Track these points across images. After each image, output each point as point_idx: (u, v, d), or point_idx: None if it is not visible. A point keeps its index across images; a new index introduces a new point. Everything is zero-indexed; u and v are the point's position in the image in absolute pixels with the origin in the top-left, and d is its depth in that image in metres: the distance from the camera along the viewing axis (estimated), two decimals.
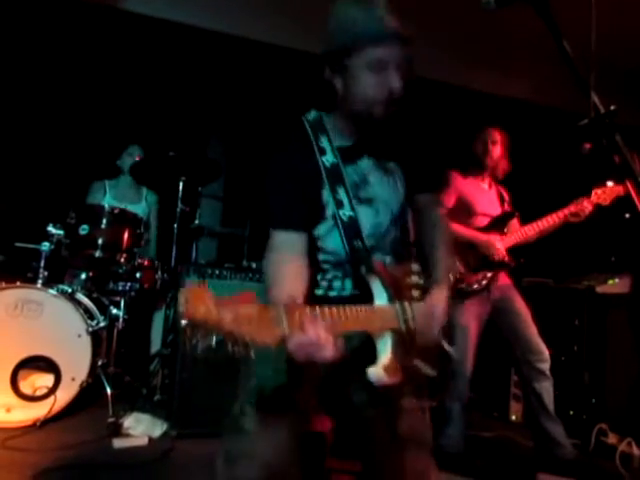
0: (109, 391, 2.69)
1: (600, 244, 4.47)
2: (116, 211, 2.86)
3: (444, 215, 1.64)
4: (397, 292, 1.31)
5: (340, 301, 1.21)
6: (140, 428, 2.56)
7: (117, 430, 2.52)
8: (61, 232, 2.79)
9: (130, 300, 3.15)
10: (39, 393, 2.56)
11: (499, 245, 2.88)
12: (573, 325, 3.93)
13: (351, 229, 1.35)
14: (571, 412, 3.64)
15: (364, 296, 1.30)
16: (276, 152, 1.41)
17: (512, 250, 2.98)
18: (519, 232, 2.97)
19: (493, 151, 3.02)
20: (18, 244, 2.92)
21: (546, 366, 2.83)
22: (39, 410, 2.53)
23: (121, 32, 3.70)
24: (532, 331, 2.89)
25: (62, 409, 2.59)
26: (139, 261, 3.07)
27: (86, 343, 2.63)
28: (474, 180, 3.06)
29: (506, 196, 3.17)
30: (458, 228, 2.86)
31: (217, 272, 2.75)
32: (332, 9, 1.37)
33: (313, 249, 1.40)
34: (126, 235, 2.88)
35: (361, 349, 1.27)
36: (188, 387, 2.61)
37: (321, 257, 1.41)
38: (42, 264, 2.73)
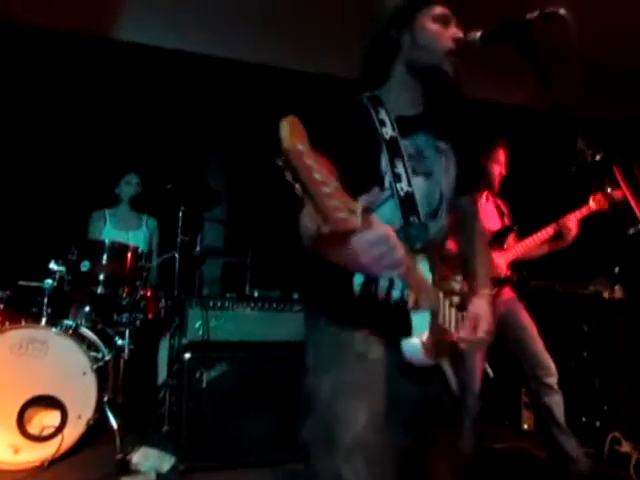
0: (116, 427, 2.69)
1: (605, 248, 4.44)
2: (116, 246, 2.87)
3: (483, 221, 1.62)
4: (440, 284, 1.29)
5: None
6: (148, 464, 2.56)
7: (125, 467, 2.52)
8: (63, 268, 2.81)
9: (135, 330, 3.16)
10: (46, 433, 2.56)
11: (499, 261, 2.86)
12: (582, 331, 3.91)
13: (408, 204, 1.32)
14: (583, 419, 3.62)
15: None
16: (333, 111, 1.37)
17: (514, 263, 2.97)
18: (519, 246, 2.96)
19: (497, 171, 3.03)
20: (21, 282, 2.93)
21: (554, 380, 2.82)
22: (47, 450, 2.53)
23: (115, 61, 3.72)
24: (538, 346, 2.87)
25: (70, 448, 2.59)
26: (142, 292, 3.08)
27: (91, 380, 2.64)
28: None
29: (505, 209, 3.16)
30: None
31: (219, 303, 2.77)
32: None
33: None
34: (127, 269, 2.88)
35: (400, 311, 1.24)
36: (195, 418, 2.60)
37: None
38: (45, 302, 2.74)
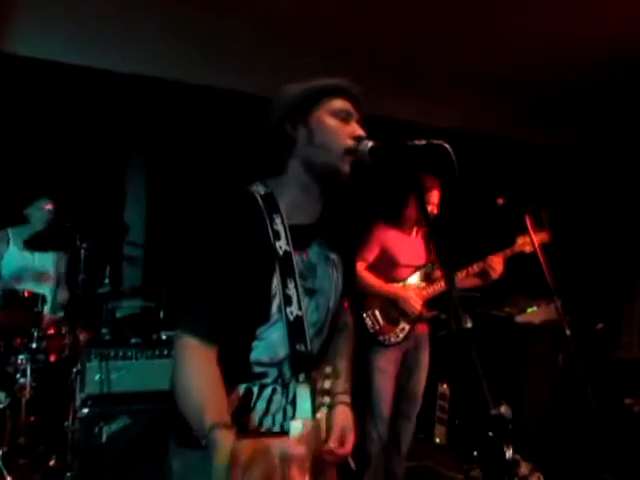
0: None
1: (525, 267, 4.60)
2: (7, 293, 2.70)
3: (352, 323, 1.60)
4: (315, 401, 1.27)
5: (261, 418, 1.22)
6: None
7: None
8: None
9: (38, 368, 3.01)
10: None
11: (415, 300, 2.91)
12: (493, 351, 4.08)
13: (296, 330, 1.23)
14: (489, 434, 3.82)
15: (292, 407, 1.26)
16: (225, 219, 1.24)
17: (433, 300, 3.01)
18: (438, 284, 3.00)
19: (429, 210, 3.02)
20: None
21: (413, 410, 3.09)
22: None
23: (12, 76, 3.44)
24: (420, 389, 3.09)
25: None
26: (42, 333, 2.92)
27: None
28: (399, 230, 3.06)
29: (434, 244, 3.17)
30: (376, 282, 2.93)
31: (121, 353, 2.67)
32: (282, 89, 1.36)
33: (244, 348, 1.25)
34: (21, 317, 2.73)
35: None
36: (94, 473, 2.54)
37: (254, 355, 1.25)
38: None
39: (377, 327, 2.92)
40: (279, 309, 1.23)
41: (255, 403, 1.26)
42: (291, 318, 1.23)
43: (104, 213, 3.26)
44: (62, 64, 3.44)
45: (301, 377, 1.25)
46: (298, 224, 1.31)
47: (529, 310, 4.12)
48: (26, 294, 2.81)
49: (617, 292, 4.66)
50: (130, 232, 3.48)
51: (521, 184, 3.80)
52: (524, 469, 3.26)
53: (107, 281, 3.21)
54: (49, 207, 3.45)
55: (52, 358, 3.01)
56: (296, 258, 1.27)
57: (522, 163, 4.67)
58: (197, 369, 1.15)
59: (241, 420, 1.22)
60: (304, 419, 1.20)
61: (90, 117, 3.83)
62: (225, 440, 0.98)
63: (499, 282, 4.40)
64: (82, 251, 3.01)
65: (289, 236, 1.27)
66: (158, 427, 2.62)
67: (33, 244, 3.06)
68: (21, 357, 2.96)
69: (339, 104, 1.30)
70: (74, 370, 2.92)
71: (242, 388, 1.25)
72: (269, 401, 1.27)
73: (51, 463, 2.90)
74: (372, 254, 2.96)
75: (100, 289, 3.14)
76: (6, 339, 2.70)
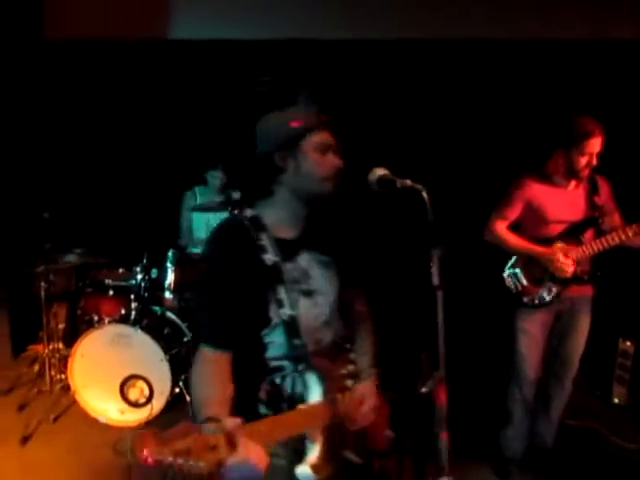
0: (189, 399, 3.34)
1: None
2: (178, 256, 3.33)
3: (366, 310, 1.82)
4: (331, 384, 1.51)
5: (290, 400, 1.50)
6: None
7: None
8: (141, 274, 3.39)
9: None
10: (141, 401, 3.33)
11: (563, 260, 2.65)
12: None
13: (291, 328, 1.49)
14: None
15: (302, 393, 1.52)
16: (217, 253, 1.53)
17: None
18: (597, 243, 2.66)
19: (584, 161, 2.62)
20: (111, 283, 3.58)
21: (567, 375, 2.93)
22: (142, 414, 3.30)
23: (179, 60, 3.92)
24: (575, 355, 2.90)
25: (158, 413, 3.34)
26: None
27: (166, 366, 3.28)
28: (550, 184, 2.75)
29: (603, 191, 2.77)
30: (517, 242, 2.77)
31: None
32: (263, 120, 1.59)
33: (259, 348, 1.51)
34: (189, 275, 3.36)
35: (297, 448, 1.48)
36: None
37: (269, 353, 1.52)
38: (133, 306, 3.36)
39: (520, 287, 2.79)
40: (276, 313, 1.48)
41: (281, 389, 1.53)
42: (285, 318, 1.47)
43: None
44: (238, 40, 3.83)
45: (300, 366, 1.49)
46: (285, 238, 1.55)
47: None
48: (193, 256, 3.43)
49: None
50: None
51: None
52: None
53: None
54: (221, 176, 4.01)
55: None
56: (289, 266, 1.53)
57: None
58: (204, 372, 1.45)
59: (277, 404, 1.51)
60: (311, 463, 1.42)
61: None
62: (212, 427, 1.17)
63: None
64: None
65: (276, 249, 1.51)
66: None
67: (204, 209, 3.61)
68: None
69: (320, 138, 1.52)
70: None
71: (267, 381, 1.52)
72: (293, 386, 1.52)
73: None
74: (514, 212, 2.78)
75: None
76: (180, 294, 3.38)
